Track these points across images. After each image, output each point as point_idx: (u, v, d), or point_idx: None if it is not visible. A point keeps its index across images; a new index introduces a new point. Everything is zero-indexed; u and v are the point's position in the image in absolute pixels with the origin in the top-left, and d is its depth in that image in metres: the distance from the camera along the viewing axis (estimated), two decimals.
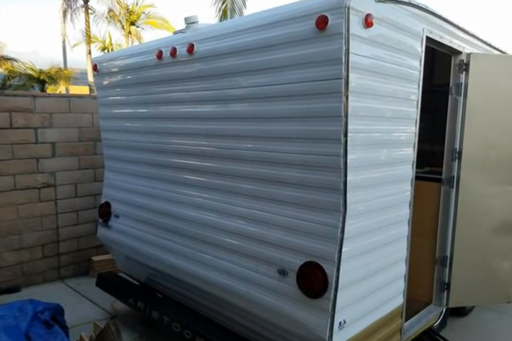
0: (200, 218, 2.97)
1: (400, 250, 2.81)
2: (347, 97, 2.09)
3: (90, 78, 18.61)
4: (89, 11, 20.79)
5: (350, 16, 2.03)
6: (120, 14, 21.51)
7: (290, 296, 2.37)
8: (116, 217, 3.77)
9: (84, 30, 21.02)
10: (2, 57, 18.91)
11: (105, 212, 3.86)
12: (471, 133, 3.21)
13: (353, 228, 2.27)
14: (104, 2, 20.52)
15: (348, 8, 2.02)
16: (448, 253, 3.35)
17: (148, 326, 3.75)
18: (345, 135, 2.13)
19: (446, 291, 3.40)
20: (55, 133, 4.78)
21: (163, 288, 3.53)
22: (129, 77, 3.44)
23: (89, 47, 21.32)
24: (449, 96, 3.23)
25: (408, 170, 2.77)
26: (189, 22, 3.10)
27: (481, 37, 3.42)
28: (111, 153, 3.88)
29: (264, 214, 2.56)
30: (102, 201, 3.95)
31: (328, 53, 2.10)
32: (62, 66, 21.87)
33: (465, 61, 3.15)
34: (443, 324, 3.60)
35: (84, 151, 5.03)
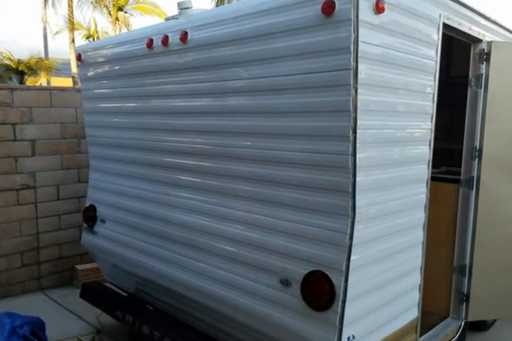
0: (194, 223, 2.97)
1: (415, 258, 2.81)
2: (356, 90, 2.09)
3: (74, 69, 18.63)
4: None
5: (360, 1, 2.03)
6: None
7: (293, 309, 2.37)
8: (103, 221, 3.77)
9: (67, 16, 21.04)
10: None
11: (90, 216, 3.86)
12: (493, 129, 3.21)
13: (362, 234, 2.27)
14: None
15: None
16: (467, 262, 3.35)
17: None
18: (354, 131, 2.13)
19: (465, 303, 3.40)
20: (35, 130, 4.78)
21: (154, 299, 3.53)
22: (116, 67, 3.44)
23: (73, 35, 21.34)
24: (469, 89, 3.23)
25: (423, 170, 2.78)
26: (182, 7, 3.10)
27: (503, 24, 3.43)
28: (96, 151, 3.89)
29: (265, 219, 2.56)
30: (87, 204, 3.95)
31: (335, 41, 2.10)
32: (42, 56, 21.88)
33: (486, 50, 3.15)
34: (462, 339, 3.60)
35: (67, 149, 5.03)
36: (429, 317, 3.24)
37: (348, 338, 2.27)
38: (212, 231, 2.85)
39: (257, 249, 2.58)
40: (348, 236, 2.21)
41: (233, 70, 2.60)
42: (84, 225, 3.95)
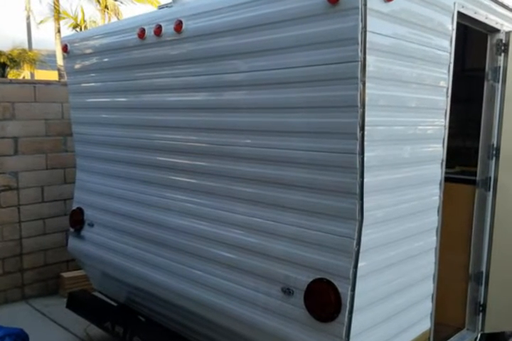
0: (190, 227, 2.97)
1: (427, 265, 2.82)
2: (364, 84, 2.10)
3: (60, 61, 18.66)
4: None
5: None
6: None
7: (296, 319, 2.37)
8: (91, 225, 3.77)
9: (53, 4, 21.06)
10: None
11: (77, 220, 3.86)
12: (511, 126, 3.21)
13: (370, 239, 2.28)
14: None
15: None
16: (483, 269, 3.36)
17: None
18: (362, 128, 2.13)
19: (481, 314, 3.40)
20: (18, 127, 4.78)
21: (147, 310, 3.53)
22: (105, 59, 3.45)
23: (59, 24, 21.38)
24: (485, 83, 3.23)
25: (436, 170, 2.78)
26: None
27: None
28: (84, 149, 3.89)
29: (266, 223, 2.56)
30: (74, 207, 3.95)
31: (341, 32, 2.10)
32: (26, 46, 21.91)
33: (504, 41, 3.15)
34: None
35: (52, 148, 5.03)
36: (442, 329, 3.25)
37: None
38: (209, 236, 2.85)
39: (258, 255, 2.58)
40: (355, 242, 2.21)
41: (232, 63, 2.60)
42: (71, 229, 3.95)
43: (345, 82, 2.13)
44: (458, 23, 2.72)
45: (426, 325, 2.87)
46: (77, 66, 3.74)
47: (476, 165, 3.35)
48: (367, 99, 2.12)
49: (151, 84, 3.13)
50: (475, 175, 3.35)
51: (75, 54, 3.73)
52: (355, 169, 2.17)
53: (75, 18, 22.65)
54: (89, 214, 3.81)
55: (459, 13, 2.72)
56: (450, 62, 2.70)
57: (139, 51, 3.14)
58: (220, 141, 2.75)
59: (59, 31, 20.99)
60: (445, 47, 2.65)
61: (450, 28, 2.66)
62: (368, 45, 2.07)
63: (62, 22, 21.91)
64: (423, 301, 2.82)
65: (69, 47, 3.75)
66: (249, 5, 2.46)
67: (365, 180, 2.19)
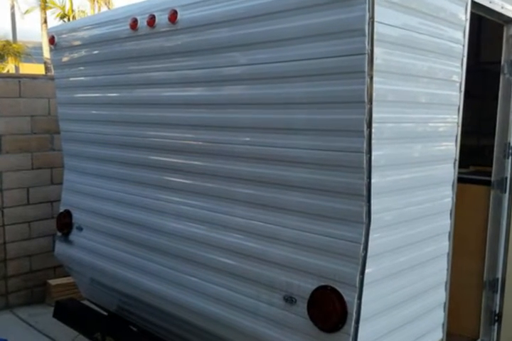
0: (185, 231, 2.98)
1: (439, 271, 2.82)
2: (371, 78, 2.10)
3: (46, 54, 18.67)
4: None
5: None
6: None
7: (299, 330, 2.37)
8: (79, 229, 3.77)
9: None
10: None
11: (65, 224, 3.86)
12: None
13: (378, 243, 2.28)
14: None
15: None
16: (499, 276, 3.36)
17: None
18: (369, 126, 2.13)
19: (496, 324, 3.40)
20: (2, 124, 4.78)
21: (139, 319, 3.53)
22: (95, 52, 3.45)
23: (45, 14, 21.41)
24: (501, 77, 3.23)
25: (449, 170, 2.78)
26: None
27: None
28: (72, 148, 3.89)
29: (266, 226, 2.56)
30: (61, 209, 3.96)
31: (347, 22, 2.10)
32: (10, 38, 21.94)
33: None
34: None
35: (38, 146, 5.04)
36: (455, 340, 3.25)
37: None
38: (205, 241, 2.85)
39: (257, 261, 2.58)
40: (362, 246, 2.21)
41: (230, 55, 2.61)
42: (58, 234, 3.96)
43: (352, 76, 2.13)
44: (472, 13, 2.72)
45: (437, 335, 2.87)
46: (64, 59, 3.74)
47: (491, 165, 3.35)
48: (374, 94, 2.12)
49: (144, 78, 3.13)
50: (490, 176, 3.36)
51: (62, 46, 3.73)
52: (362, 169, 2.17)
53: (63, 8, 22.67)
54: (77, 217, 3.81)
55: (473, 3, 2.72)
56: (463, 55, 2.70)
57: (131, 43, 3.14)
58: (218, 139, 2.75)
59: (45, 22, 21.02)
60: (458, 39, 2.65)
61: (463, 18, 2.67)
62: (375, 37, 2.07)
63: (49, 12, 21.96)
64: (434, 310, 2.82)
65: (56, 39, 3.75)
66: None
67: (372, 180, 2.18)
